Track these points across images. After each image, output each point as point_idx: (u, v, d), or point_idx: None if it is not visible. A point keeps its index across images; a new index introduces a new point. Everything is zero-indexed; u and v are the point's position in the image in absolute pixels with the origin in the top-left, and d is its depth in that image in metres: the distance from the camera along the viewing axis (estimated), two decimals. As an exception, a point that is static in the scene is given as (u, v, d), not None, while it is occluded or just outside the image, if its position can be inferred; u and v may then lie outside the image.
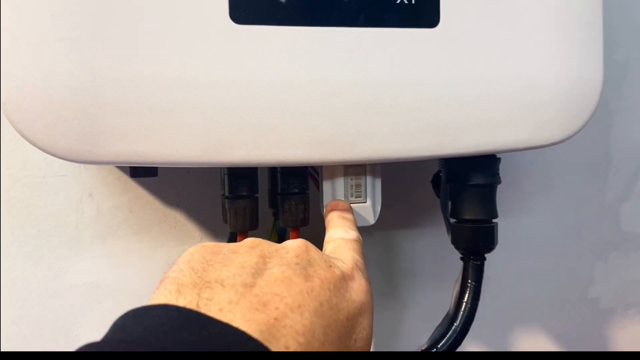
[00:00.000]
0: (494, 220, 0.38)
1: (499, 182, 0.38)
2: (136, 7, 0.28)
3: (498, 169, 0.38)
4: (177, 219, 0.46)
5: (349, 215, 0.34)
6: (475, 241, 0.37)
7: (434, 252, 0.51)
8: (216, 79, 0.30)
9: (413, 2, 0.32)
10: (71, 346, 0.45)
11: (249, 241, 0.27)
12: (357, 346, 0.24)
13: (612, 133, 0.56)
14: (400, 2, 0.32)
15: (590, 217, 0.56)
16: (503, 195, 0.53)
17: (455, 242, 0.38)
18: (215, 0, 0.29)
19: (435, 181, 0.42)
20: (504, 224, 0.53)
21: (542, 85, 0.35)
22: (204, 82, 0.29)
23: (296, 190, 0.35)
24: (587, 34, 0.36)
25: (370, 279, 0.32)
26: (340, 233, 0.31)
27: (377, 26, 0.32)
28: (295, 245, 0.26)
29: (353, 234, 0.32)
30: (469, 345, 0.54)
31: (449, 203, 0.38)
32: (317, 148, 0.32)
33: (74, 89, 0.28)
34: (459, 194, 0.37)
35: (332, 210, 0.34)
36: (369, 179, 0.36)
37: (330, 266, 0.25)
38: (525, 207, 0.54)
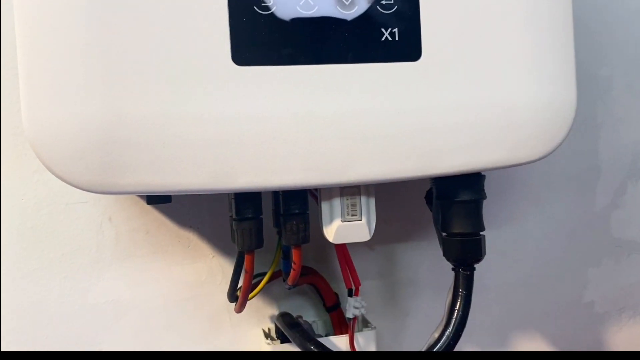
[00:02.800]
0: (481, 233, 0.41)
1: (484, 197, 0.41)
2: (149, 54, 0.32)
3: (483, 186, 0.41)
4: (191, 239, 0.50)
5: None
6: (464, 253, 0.40)
7: (432, 263, 0.54)
8: (220, 115, 0.33)
9: (397, 38, 0.36)
10: (95, 360, 0.48)
11: None
12: None
13: (600, 145, 0.58)
14: (385, 39, 0.36)
15: (581, 225, 0.59)
16: (497, 207, 0.56)
17: (446, 254, 0.41)
18: (220, 47, 0.33)
19: (428, 197, 0.46)
20: (499, 234, 0.56)
21: (518, 108, 0.38)
22: (209, 119, 0.33)
23: (296, 211, 0.38)
24: (559, 59, 0.39)
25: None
26: None
27: (364, 62, 0.35)
28: None
29: None
30: (465, 350, 0.57)
31: (440, 218, 0.42)
32: (313, 173, 0.35)
33: (93, 129, 0.32)
34: (448, 210, 0.41)
35: None
36: (363, 198, 0.39)
37: None
38: (519, 217, 0.57)
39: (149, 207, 0.48)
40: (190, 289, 0.50)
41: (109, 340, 0.48)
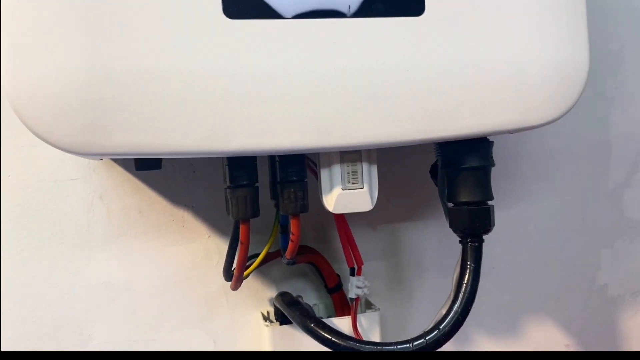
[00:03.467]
0: (489, 202, 0.39)
1: (492, 164, 0.39)
2: (135, 6, 0.30)
3: (491, 152, 0.39)
4: (185, 218, 0.47)
5: None
6: (473, 222, 0.38)
7: (437, 244, 0.52)
8: (212, 72, 0.31)
9: (398, -11, 0.34)
10: (86, 345, 0.46)
11: None
12: None
13: (611, 120, 0.56)
14: (384, -10, 0.33)
15: (593, 205, 0.56)
16: (506, 187, 0.54)
17: (453, 226, 0.39)
18: None
19: (433, 171, 0.43)
20: (508, 215, 0.54)
21: (529, 69, 0.36)
22: (201, 75, 0.31)
23: (294, 178, 0.36)
24: (571, 18, 0.37)
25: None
26: None
27: (365, 16, 0.33)
28: None
29: None
30: (477, 335, 0.54)
31: (446, 188, 0.39)
32: (312, 135, 0.33)
33: (77, 86, 0.30)
34: (454, 178, 0.38)
35: None
36: (364, 165, 0.37)
37: None
38: (528, 197, 0.55)
39: (141, 185, 0.46)
40: (186, 271, 0.48)
41: (101, 323, 0.46)
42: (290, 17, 0.32)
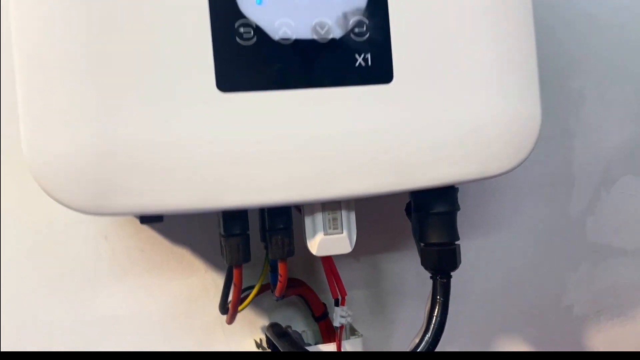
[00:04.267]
0: (456, 242, 0.43)
1: (458, 209, 0.43)
2: (137, 85, 0.35)
3: (456, 198, 0.43)
4: (184, 255, 0.52)
5: None
6: (441, 262, 0.43)
7: (415, 272, 0.56)
8: (206, 140, 0.36)
9: (369, 63, 0.38)
10: (94, 374, 0.50)
11: None
12: None
13: (574, 154, 0.61)
14: (358, 64, 0.38)
15: (559, 232, 0.61)
16: (478, 217, 0.59)
17: (424, 264, 0.44)
18: (205, 74, 0.36)
19: (408, 210, 0.48)
20: (481, 243, 0.59)
21: (487, 125, 0.40)
22: (196, 143, 0.35)
23: (281, 227, 0.40)
24: (524, 78, 0.42)
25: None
26: None
27: (339, 85, 0.38)
28: None
29: None
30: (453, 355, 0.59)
31: (418, 229, 0.44)
32: (296, 190, 0.38)
33: (87, 159, 0.34)
34: (424, 222, 0.43)
35: None
36: (344, 212, 0.41)
37: None
38: (499, 226, 0.59)
39: (143, 226, 0.51)
40: (185, 303, 0.52)
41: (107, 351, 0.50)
42: (267, 48, 0.37)
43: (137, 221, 0.50)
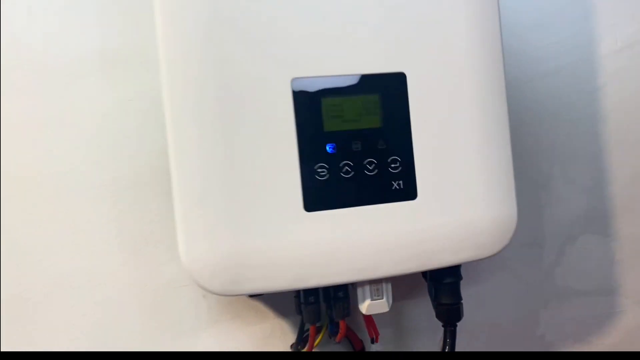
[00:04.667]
0: (460, 302, 0.63)
1: (461, 278, 0.63)
2: (256, 211, 0.54)
3: (460, 272, 0.63)
4: (258, 307, 0.71)
5: None
6: (449, 317, 0.62)
7: (429, 315, 0.76)
8: (299, 242, 0.55)
9: (402, 187, 0.58)
10: (197, 396, 0.69)
11: None
12: None
13: (544, 221, 0.81)
14: (394, 188, 0.57)
15: (534, 280, 0.81)
16: (471, 275, 0.78)
17: (437, 317, 0.63)
18: (294, 199, 0.55)
19: (424, 275, 0.67)
20: (473, 292, 0.78)
21: (477, 223, 0.60)
22: (290, 247, 0.55)
23: (341, 296, 0.60)
24: (506, 189, 0.61)
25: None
26: None
27: (381, 203, 0.57)
28: None
29: None
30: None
31: (433, 292, 0.63)
32: (355, 273, 0.57)
33: (224, 261, 0.53)
34: (437, 288, 0.62)
35: None
36: (384, 284, 0.61)
37: None
38: (488, 282, 0.79)
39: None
40: (259, 343, 0.71)
41: (205, 381, 0.69)
42: (336, 181, 0.56)
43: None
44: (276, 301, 0.71)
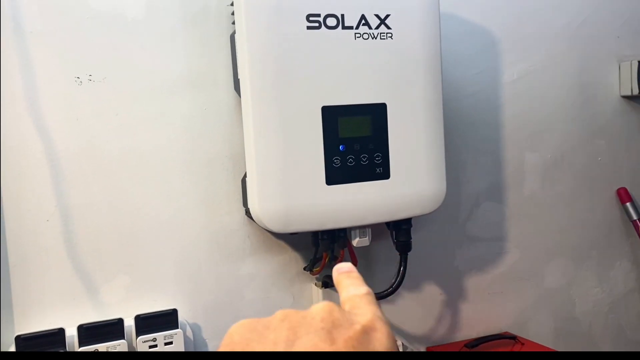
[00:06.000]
0: (411, 240, 1.04)
1: (411, 226, 1.04)
2: (303, 178, 0.92)
3: (411, 221, 1.04)
4: (283, 246, 1.09)
5: (354, 274, 0.38)
6: (403, 248, 1.03)
7: (391, 251, 1.17)
8: (326, 201, 0.94)
9: (382, 171, 0.98)
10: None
11: (280, 314, 0.32)
12: None
13: (461, 190, 1.24)
14: (377, 171, 0.97)
15: (453, 229, 1.24)
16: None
17: (397, 249, 1.04)
18: (321, 177, 0.94)
19: (387, 224, 1.08)
20: (415, 236, 1.20)
21: (424, 192, 1.01)
22: (323, 203, 0.94)
23: (342, 235, 1.00)
24: (439, 169, 1.02)
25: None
26: (352, 290, 0.35)
27: (370, 180, 0.97)
28: (319, 309, 0.31)
29: (363, 289, 0.35)
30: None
31: (394, 234, 1.04)
32: (352, 222, 0.97)
33: (281, 209, 0.92)
34: (397, 231, 1.04)
35: (339, 273, 0.38)
36: (367, 229, 1.01)
37: (352, 323, 0.29)
38: (422, 228, 1.21)
39: (264, 230, 1.08)
40: (283, 267, 1.10)
41: (245, 290, 1.08)
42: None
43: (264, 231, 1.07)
44: (295, 240, 1.10)
